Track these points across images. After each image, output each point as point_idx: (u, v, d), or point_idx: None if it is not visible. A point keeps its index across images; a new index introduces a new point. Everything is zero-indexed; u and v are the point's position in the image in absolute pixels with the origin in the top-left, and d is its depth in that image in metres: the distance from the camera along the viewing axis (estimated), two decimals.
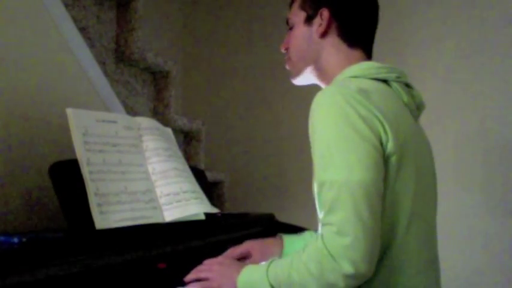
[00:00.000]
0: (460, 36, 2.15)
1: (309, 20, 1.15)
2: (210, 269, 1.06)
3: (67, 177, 1.03)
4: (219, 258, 1.11)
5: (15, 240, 0.86)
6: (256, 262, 1.19)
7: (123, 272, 0.95)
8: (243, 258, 1.19)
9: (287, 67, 1.23)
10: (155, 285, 1.00)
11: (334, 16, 1.12)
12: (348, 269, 0.87)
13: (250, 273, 1.01)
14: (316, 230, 1.33)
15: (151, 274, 1.01)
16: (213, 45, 2.70)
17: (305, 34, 1.16)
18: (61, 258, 0.84)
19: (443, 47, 2.17)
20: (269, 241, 1.27)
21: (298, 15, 1.18)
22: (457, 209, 2.08)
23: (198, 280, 1.05)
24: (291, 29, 1.20)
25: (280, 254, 1.26)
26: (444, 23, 2.18)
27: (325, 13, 1.12)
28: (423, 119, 1.18)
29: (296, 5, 1.19)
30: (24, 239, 0.87)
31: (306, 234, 1.30)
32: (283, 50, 1.23)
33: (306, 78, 1.21)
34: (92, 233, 0.98)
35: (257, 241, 1.23)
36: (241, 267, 1.03)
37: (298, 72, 1.21)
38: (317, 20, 1.13)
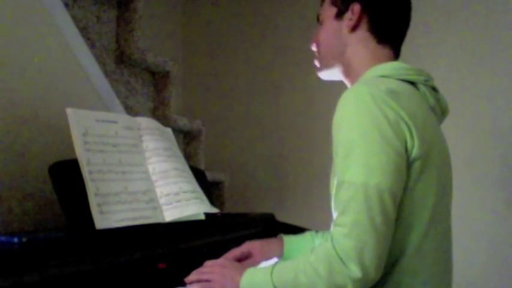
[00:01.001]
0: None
1: (339, 14, 1.15)
2: (211, 270, 1.05)
3: (67, 177, 1.03)
4: (221, 260, 1.10)
5: (15, 240, 0.86)
6: (257, 262, 1.19)
7: (123, 272, 0.94)
8: (244, 258, 1.19)
9: (315, 62, 1.23)
10: (155, 285, 1.00)
11: (365, 11, 1.12)
12: (356, 272, 0.86)
13: (254, 275, 0.99)
14: (316, 230, 1.33)
15: (151, 274, 1.01)
16: (213, 45, 2.70)
17: (335, 28, 1.16)
18: (61, 258, 0.84)
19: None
20: (269, 241, 1.27)
21: (329, 11, 1.18)
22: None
23: (199, 281, 1.04)
24: (321, 24, 1.20)
25: (281, 254, 1.25)
26: (444, 25, 2.18)
27: (356, 7, 1.12)
28: None
29: (327, 1, 1.19)
30: (24, 239, 0.87)
31: (307, 235, 1.30)
32: (313, 47, 1.23)
33: (332, 73, 1.20)
34: (92, 233, 0.98)
35: (257, 241, 1.24)
36: (243, 269, 1.02)
37: (325, 66, 1.20)
38: (348, 15, 1.13)
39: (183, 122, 2.21)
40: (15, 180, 1.18)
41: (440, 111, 1.11)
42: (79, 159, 1.04)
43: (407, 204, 0.95)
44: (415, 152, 0.94)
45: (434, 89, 1.10)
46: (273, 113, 2.53)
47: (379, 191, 0.89)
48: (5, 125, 1.18)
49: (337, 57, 1.16)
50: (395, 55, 1.14)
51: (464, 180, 2.04)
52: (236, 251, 1.19)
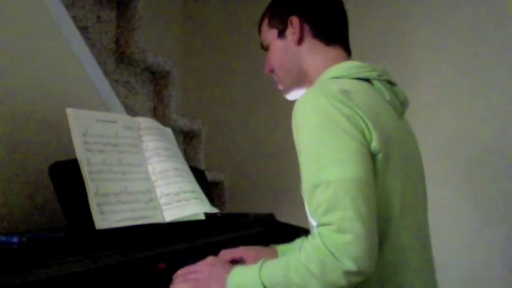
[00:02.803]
0: (459, 43, 2.15)
1: (281, 33, 1.16)
2: (200, 269, 1.03)
3: (67, 177, 1.03)
4: (210, 260, 1.08)
5: (15, 240, 0.86)
6: None
7: (123, 272, 0.95)
8: (236, 262, 1.15)
9: (279, 87, 1.23)
10: (155, 285, 1.00)
11: (304, 20, 1.14)
12: (350, 266, 0.86)
13: (241, 275, 0.98)
14: (307, 235, 1.32)
15: (151, 274, 1.01)
16: (213, 45, 2.70)
17: (282, 47, 1.17)
18: (61, 258, 0.84)
19: (442, 52, 2.17)
20: (264, 250, 1.24)
21: (270, 34, 1.19)
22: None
23: (186, 281, 1.02)
24: (267, 50, 1.21)
25: None
26: (443, 26, 2.18)
27: (295, 20, 1.13)
28: (416, 119, 1.17)
29: (265, 26, 1.21)
30: (24, 239, 0.87)
31: (298, 242, 1.28)
32: (271, 74, 1.23)
33: (299, 90, 1.21)
34: (91, 233, 0.98)
35: (252, 248, 1.21)
36: (232, 268, 1.00)
37: (290, 87, 1.21)
38: (289, 30, 1.15)
39: (183, 122, 2.22)
40: (15, 180, 1.18)
41: (399, 103, 1.12)
42: (79, 159, 1.04)
43: (381, 195, 0.96)
44: (374, 145, 0.95)
45: (391, 83, 1.11)
46: (273, 113, 2.52)
47: (357, 182, 0.90)
48: (5, 124, 1.18)
49: (297, 73, 1.17)
50: (347, 52, 1.16)
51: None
52: (228, 254, 1.17)
